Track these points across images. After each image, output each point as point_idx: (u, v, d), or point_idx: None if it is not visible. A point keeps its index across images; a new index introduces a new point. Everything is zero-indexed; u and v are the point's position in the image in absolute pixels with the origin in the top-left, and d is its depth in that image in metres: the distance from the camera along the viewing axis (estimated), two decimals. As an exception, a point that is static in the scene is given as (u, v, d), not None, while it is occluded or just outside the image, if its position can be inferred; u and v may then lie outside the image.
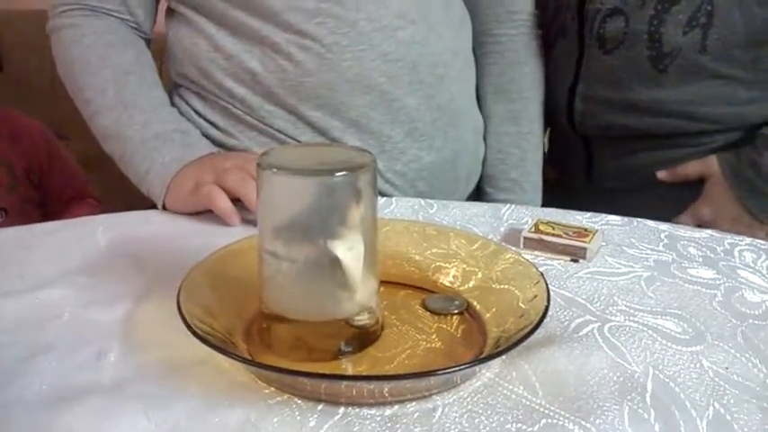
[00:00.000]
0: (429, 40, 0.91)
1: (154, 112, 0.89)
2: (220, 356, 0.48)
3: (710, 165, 0.96)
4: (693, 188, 0.98)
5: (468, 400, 0.49)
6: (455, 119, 0.98)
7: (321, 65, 0.87)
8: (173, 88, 0.99)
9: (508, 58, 1.04)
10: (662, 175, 1.00)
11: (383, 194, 0.92)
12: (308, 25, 0.86)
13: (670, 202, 0.98)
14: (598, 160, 1.06)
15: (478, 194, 1.07)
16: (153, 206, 0.86)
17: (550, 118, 1.09)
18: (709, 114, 0.95)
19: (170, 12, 0.97)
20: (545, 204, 1.01)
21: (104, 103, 0.88)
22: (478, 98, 1.05)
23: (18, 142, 1.27)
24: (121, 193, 0.98)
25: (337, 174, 0.50)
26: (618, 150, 1.03)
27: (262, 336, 0.55)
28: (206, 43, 0.91)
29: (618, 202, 0.88)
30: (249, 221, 0.78)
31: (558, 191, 1.09)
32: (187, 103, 0.96)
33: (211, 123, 0.94)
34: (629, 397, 0.49)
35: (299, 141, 0.90)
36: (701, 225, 0.93)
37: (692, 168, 0.98)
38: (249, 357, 0.52)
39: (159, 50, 0.99)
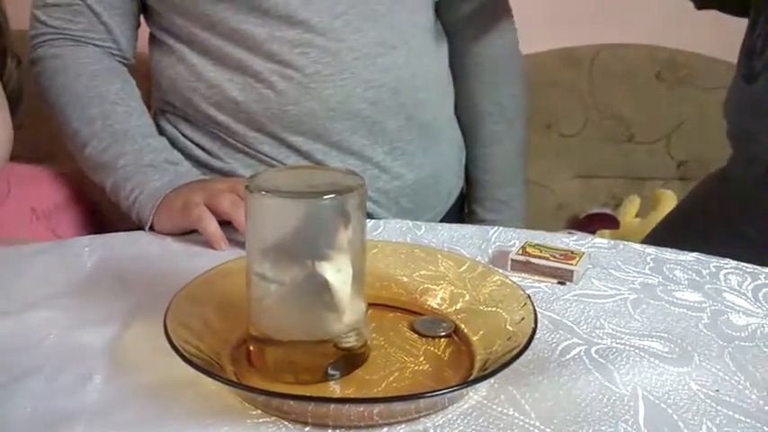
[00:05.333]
0: (409, 64, 0.92)
1: (144, 142, 0.88)
2: (207, 379, 0.48)
3: None
4: None
5: (458, 422, 0.49)
6: (435, 137, 0.98)
7: (303, 94, 0.87)
8: (158, 111, 0.99)
9: (488, 81, 1.05)
10: None
11: (367, 212, 0.92)
12: (291, 55, 0.86)
13: None
14: None
15: (468, 215, 1.07)
16: (141, 227, 0.86)
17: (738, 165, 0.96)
18: None
19: (152, 39, 0.97)
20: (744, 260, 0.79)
21: (93, 134, 0.88)
22: (461, 119, 1.06)
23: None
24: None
25: (325, 197, 0.51)
26: None
27: (249, 358, 0.55)
28: (188, 73, 0.91)
29: None
30: (237, 243, 0.78)
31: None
32: (174, 126, 0.96)
33: (197, 145, 0.94)
34: (622, 419, 0.49)
35: (283, 164, 0.91)
36: None
37: None
38: (236, 380, 0.52)
39: (148, 72, 0.99)
